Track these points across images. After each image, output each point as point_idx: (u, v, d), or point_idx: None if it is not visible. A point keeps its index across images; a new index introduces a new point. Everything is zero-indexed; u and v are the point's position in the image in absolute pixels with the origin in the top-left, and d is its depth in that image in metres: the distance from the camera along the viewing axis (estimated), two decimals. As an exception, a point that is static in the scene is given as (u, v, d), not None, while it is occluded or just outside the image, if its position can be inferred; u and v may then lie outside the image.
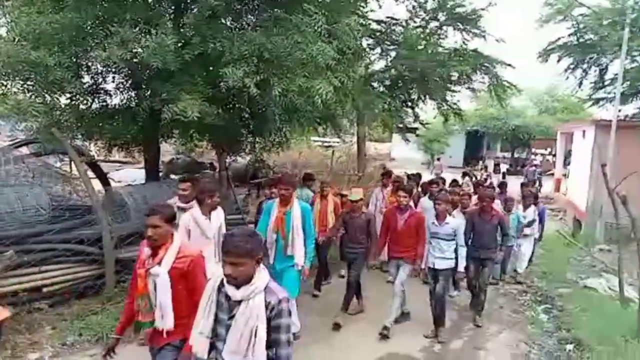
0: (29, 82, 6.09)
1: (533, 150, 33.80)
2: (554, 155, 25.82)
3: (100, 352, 4.15)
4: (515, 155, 35.36)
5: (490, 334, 6.08)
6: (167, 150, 13.67)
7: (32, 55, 5.38)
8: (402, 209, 5.76)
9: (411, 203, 6.52)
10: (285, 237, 4.87)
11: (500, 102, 14.87)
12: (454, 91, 13.94)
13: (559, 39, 18.98)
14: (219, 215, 4.73)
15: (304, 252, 4.94)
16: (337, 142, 24.23)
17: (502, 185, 10.17)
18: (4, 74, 6.41)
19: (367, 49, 12.25)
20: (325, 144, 25.72)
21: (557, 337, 5.98)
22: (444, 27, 13.12)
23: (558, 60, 19.59)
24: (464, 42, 12.93)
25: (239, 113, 7.70)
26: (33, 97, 6.40)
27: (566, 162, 20.67)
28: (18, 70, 5.74)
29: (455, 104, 14.22)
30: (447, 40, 13.29)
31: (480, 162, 33.47)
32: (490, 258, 6.05)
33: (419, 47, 12.07)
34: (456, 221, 5.76)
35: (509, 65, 13.13)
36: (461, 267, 5.69)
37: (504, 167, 26.82)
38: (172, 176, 11.56)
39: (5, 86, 7.52)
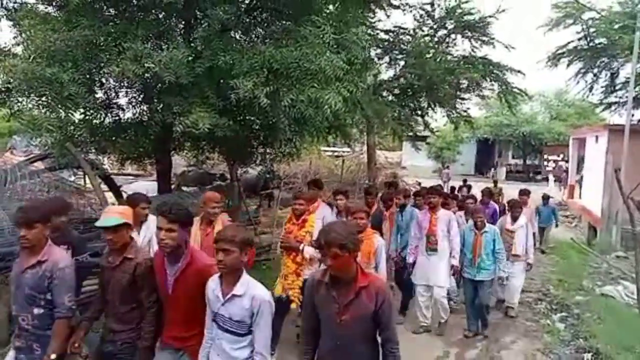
0: (43, 98, 6.20)
1: (545, 156, 33.55)
2: (567, 162, 25.56)
3: None
4: (528, 162, 35.09)
5: (506, 344, 6.00)
6: (179, 163, 13.81)
7: (47, 72, 5.49)
8: (172, 255, 2.88)
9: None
10: None
11: (510, 108, 14.86)
12: (463, 99, 13.97)
13: (568, 43, 18.90)
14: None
15: None
16: (347, 152, 24.29)
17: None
18: (20, 90, 6.57)
19: (375, 59, 12.32)
20: (335, 154, 25.78)
21: (575, 346, 5.88)
22: (453, 35, 13.17)
23: (568, 65, 19.48)
24: (472, 50, 12.96)
25: (249, 125, 7.77)
26: (48, 112, 6.52)
27: (579, 168, 20.46)
28: (34, 86, 5.85)
29: (465, 111, 14.23)
30: (456, 48, 13.38)
31: (492, 170, 33.34)
32: None
33: (428, 56, 12.12)
34: (258, 292, 2.65)
35: (519, 71, 13.11)
36: None
37: (552, 179, 23.79)
38: (184, 188, 11.68)
39: (21, 102, 7.71)
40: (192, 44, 6.33)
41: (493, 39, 12.76)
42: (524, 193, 8.67)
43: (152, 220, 4.53)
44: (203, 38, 6.15)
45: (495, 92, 13.72)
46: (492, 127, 32.65)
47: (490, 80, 13.16)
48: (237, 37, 6.89)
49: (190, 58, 5.87)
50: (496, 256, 5.90)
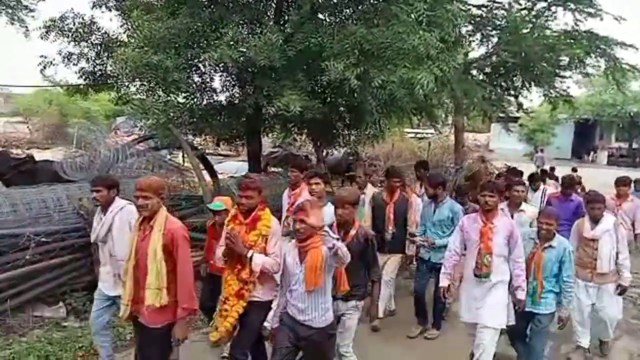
0: (150, 84, 6.70)
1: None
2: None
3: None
4: (634, 146, 31.82)
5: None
6: (265, 144, 14.32)
7: (153, 59, 5.91)
8: None
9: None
10: None
11: (618, 86, 13.50)
12: (563, 77, 12.88)
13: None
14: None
15: None
16: (431, 134, 23.62)
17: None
18: (128, 76, 7.15)
19: (467, 36, 11.74)
20: (418, 136, 25.19)
21: (691, 349, 5.33)
22: (553, 8, 12.12)
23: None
24: (575, 23, 11.86)
25: (336, 107, 7.82)
26: (151, 96, 7.05)
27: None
28: (141, 73, 6.33)
29: (564, 90, 13.15)
30: (556, 22, 12.28)
31: (591, 153, 30.77)
32: None
33: (524, 31, 11.30)
34: None
35: (631, 45, 11.80)
36: None
37: None
38: (271, 168, 12.12)
39: (127, 87, 8.40)
40: (284, 28, 6.45)
41: (600, 10, 11.56)
42: (623, 182, 6.60)
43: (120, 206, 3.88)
44: (294, 21, 6.25)
45: (600, 69, 12.51)
46: (593, 106, 29.92)
47: (596, 56, 11.98)
48: (327, 19, 6.91)
49: (281, 41, 6.01)
50: (563, 286, 4.10)
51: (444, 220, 5.00)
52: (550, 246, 4.08)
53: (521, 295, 3.96)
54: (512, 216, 4.96)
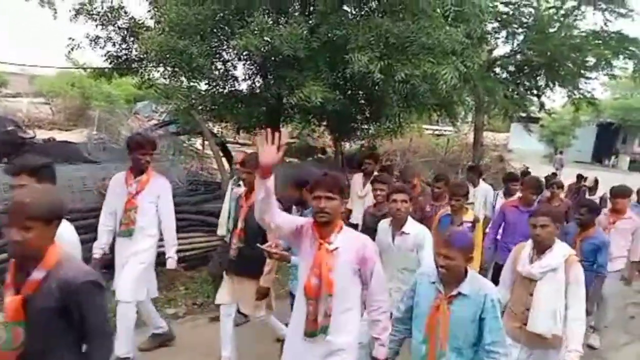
0: (174, 69, 6.77)
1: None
2: None
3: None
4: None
5: (620, 345, 5.53)
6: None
7: (179, 44, 5.97)
8: None
9: None
10: None
11: (645, 90, 13.22)
12: (589, 78, 12.67)
13: None
14: None
15: None
16: (450, 131, 23.42)
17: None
18: (152, 61, 7.23)
19: (492, 33, 11.61)
20: (437, 132, 25.00)
21: None
22: (582, 7, 11.91)
23: None
24: (605, 24, 11.64)
25: (356, 99, 7.81)
26: (175, 82, 7.12)
27: None
28: (166, 58, 6.41)
29: (589, 92, 12.93)
30: (585, 22, 12.10)
31: (613, 158, 30.25)
32: None
33: (551, 30, 11.13)
34: None
35: (661, 49, 11.52)
36: None
37: None
38: (287, 159, 12.15)
39: (151, 72, 8.49)
40: (309, 19, 6.46)
41: (632, 10, 11.32)
42: (621, 193, 4.95)
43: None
44: (320, 12, 6.25)
45: (628, 72, 12.28)
46: (618, 110, 29.38)
47: (624, 58, 11.75)
48: (353, 11, 6.89)
49: (306, 32, 6.02)
50: (487, 357, 2.40)
51: None
52: (460, 294, 2.41)
53: (381, 354, 2.48)
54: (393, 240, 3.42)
